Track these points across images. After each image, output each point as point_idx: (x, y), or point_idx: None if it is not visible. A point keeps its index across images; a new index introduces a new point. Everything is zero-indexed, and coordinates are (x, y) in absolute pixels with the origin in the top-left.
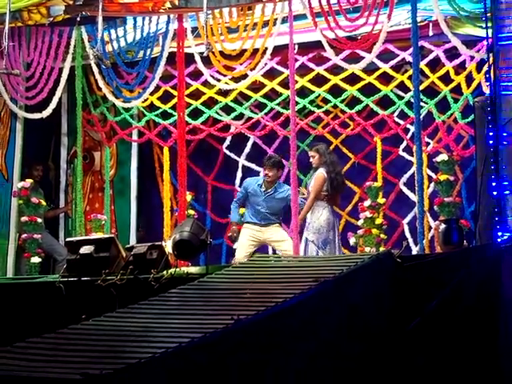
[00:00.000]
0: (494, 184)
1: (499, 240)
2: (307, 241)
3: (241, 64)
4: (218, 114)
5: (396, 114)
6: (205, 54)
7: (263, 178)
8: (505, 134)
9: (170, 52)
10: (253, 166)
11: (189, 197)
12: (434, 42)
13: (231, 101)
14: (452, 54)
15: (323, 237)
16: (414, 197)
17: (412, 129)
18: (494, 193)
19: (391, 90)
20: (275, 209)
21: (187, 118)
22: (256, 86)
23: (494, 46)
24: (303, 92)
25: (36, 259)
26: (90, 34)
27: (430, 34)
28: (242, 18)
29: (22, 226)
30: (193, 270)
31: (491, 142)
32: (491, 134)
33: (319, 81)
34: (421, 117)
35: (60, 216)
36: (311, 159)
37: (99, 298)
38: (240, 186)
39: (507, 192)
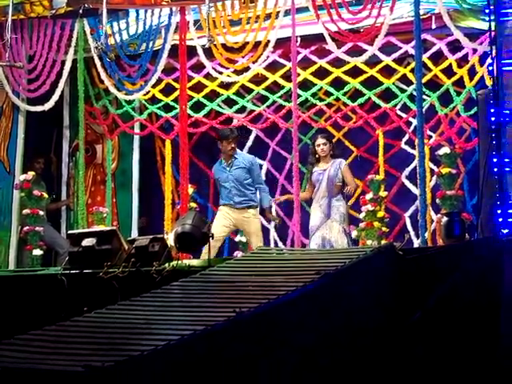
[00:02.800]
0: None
1: (501, 233)
2: (345, 231)
3: (243, 57)
4: (220, 106)
5: (398, 106)
6: (206, 46)
7: (223, 153)
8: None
9: (172, 45)
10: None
11: (191, 190)
12: (437, 35)
13: (233, 94)
14: (454, 46)
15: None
16: (415, 190)
17: (414, 122)
18: (495, 169)
19: (393, 83)
20: (241, 178)
21: (189, 111)
22: (258, 79)
23: (497, 39)
24: (305, 85)
25: (38, 252)
26: (92, 26)
27: (433, 26)
28: (245, 10)
29: (24, 219)
30: (195, 262)
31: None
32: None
33: (321, 73)
34: (423, 110)
35: (62, 209)
36: (321, 147)
37: (101, 290)
38: None
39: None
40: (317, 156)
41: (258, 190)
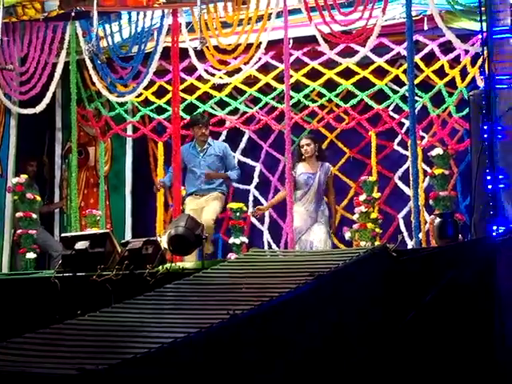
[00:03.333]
0: (488, 177)
1: (494, 233)
2: (329, 234)
3: (235, 58)
4: (212, 108)
5: (391, 108)
6: (198, 48)
7: (196, 139)
8: (499, 128)
9: (164, 47)
10: (248, 160)
11: (184, 192)
12: (429, 36)
13: (226, 95)
14: (447, 47)
15: None
16: (409, 191)
17: (407, 123)
18: (489, 186)
19: (386, 84)
20: (214, 166)
21: (182, 113)
22: (251, 81)
23: (489, 40)
24: (298, 86)
25: (31, 255)
26: (84, 29)
27: (425, 28)
28: (237, 12)
29: (17, 222)
30: (188, 265)
31: (486, 135)
32: (486, 127)
33: (314, 75)
34: (415, 111)
35: (55, 211)
36: (305, 147)
37: (94, 293)
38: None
39: (502, 185)
40: (303, 157)
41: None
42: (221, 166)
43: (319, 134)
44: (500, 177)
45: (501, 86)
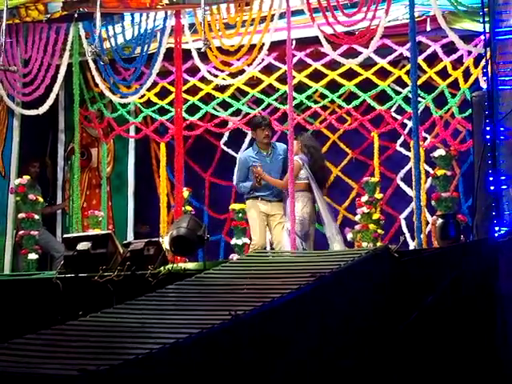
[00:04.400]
0: (491, 179)
1: (496, 234)
2: (289, 232)
3: (238, 60)
4: (215, 109)
5: (393, 109)
6: (202, 50)
7: (257, 143)
8: (502, 129)
9: (167, 48)
10: None
11: (186, 193)
12: (432, 37)
13: (228, 96)
14: (449, 48)
15: (306, 229)
16: (411, 192)
17: (409, 124)
18: (491, 187)
19: (388, 85)
20: (281, 170)
21: (184, 114)
22: (253, 82)
23: (492, 41)
24: (300, 87)
25: (33, 256)
26: (87, 30)
27: (428, 28)
28: (240, 13)
29: (20, 223)
30: (190, 265)
31: (488, 136)
32: (488, 128)
33: (316, 76)
34: (418, 112)
35: (57, 213)
36: None
37: (96, 294)
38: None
39: (504, 186)
40: None
41: None
42: (281, 168)
43: (321, 134)
44: (502, 178)
45: (504, 87)
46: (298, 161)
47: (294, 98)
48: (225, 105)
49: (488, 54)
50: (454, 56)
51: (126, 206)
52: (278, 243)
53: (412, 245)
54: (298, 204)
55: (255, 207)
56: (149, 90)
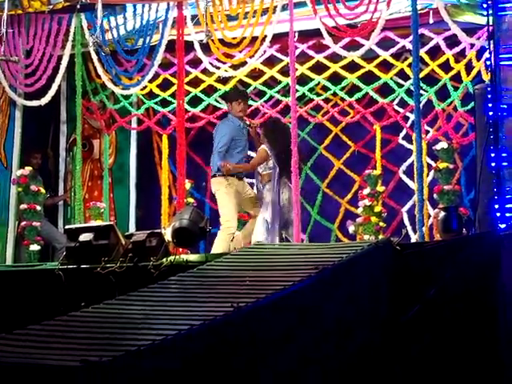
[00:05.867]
0: (492, 155)
1: (498, 227)
2: (267, 222)
3: (240, 51)
4: (217, 101)
5: (396, 101)
6: (204, 41)
7: (235, 116)
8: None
9: (169, 40)
10: (253, 153)
11: (188, 185)
12: (434, 30)
13: (230, 88)
14: (452, 41)
15: (285, 217)
16: (413, 185)
17: (412, 117)
18: (493, 164)
19: (391, 78)
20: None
21: (186, 106)
22: (255, 74)
23: (495, 34)
24: (303, 80)
25: (35, 247)
26: (89, 21)
27: (430, 21)
28: (242, 5)
29: (22, 214)
30: (192, 257)
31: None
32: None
33: (319, 68)
34: (420, 105)
35: (59, 204)
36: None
37: (98, 285)
38: None
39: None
40: None
41: None
42: None
43: (324, 127)
44: (503, 155)
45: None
46: (267, 150)
47: (296, 91)
48: None
49: (491, 46)
50: (457, 49)
51: (127, 198)
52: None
53: (414, 238)
54: (273, 192)
55: (231, 186)
56: (151, 81)
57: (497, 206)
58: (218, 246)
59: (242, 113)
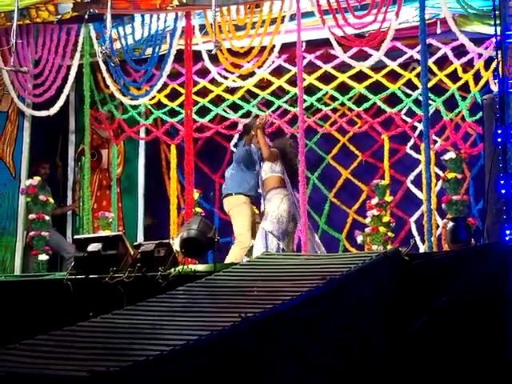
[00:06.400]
0: (502, 182)
1: (507, 238)
2: (266, 232)
3: (248, 62)
4: (225, 111)
5: (403, 111)
6: (213, 52)
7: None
8: None
9: (177, 49)
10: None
11: (196, 195)
12: (442, 40)
13: (238, 98)
14: (460, 51)
15: (283, 227)
16: (421, 195)
17: (419, 127)
18: (503, 191)
19: (399, 88)
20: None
21: (195, 116)
22: (263, 84)
23: (503, 44)
24: (311, 90)
25: (44, 257)
26: (97, 31)
27: (438, 31)
28: (250, 15)
29: (30, 224)
30: (200, 267)
31: (500, 139)
32: (500, 131)
33: (327, 78)
34: (428, 115)
35: (67, 214)
36: None
37: (107, 295)
38: None
39: None
40: None
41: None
42: None
43: (332, 137)
44: None
45: None
46: (277, 151)
47: (305, 101)
48: (235, 107)
49: (499, 56)
50: (465, 59)
51: (136, 208)
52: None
53: (422, 248)
54: (274, 202)
55: (248, 204)
56: (159, 91)
57: (508, 232)
58: (229, 260)
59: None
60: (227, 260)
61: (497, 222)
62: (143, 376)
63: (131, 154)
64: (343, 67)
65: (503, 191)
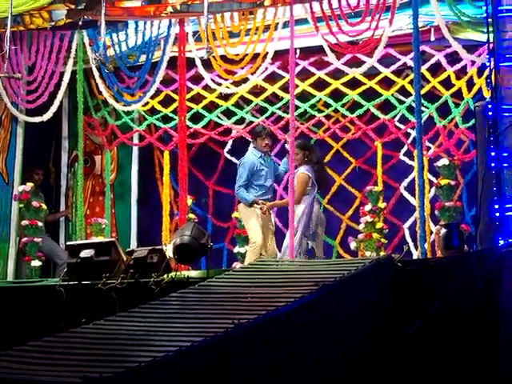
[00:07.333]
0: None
1: (500, 244)
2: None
3: (242, 68)
4: (218, 117)
5: (397, 118)
6: (205, 58)
7: (261, 150)
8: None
9: (171, 56)
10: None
11: (189, 201)
12: (435, 47)
13: (232, 105)
14: (453, 58)
15: (313, 229)
16: (414, 201)
17: (413, 133)
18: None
19: (392, 95)
20: (275, 173)
21: (188, 122)
22: (257, 90)
23: (495, 51)
24: (304, 96)
25: (36, 263)
26: (91, 38)
27: (432, 38)
28: (244, 22)
29: (23, 230)
30: (193, 273)
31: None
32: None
33: (320, 85)
34: (422, 121)
35: (60, 220)
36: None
37: (100, 301)
38: None
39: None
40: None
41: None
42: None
43: (325, 143)
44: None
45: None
46: (307, 174)
47: (298, 107)
48: (228, 113)
49: (492, 63)
50: (458, 66)
51: (129, 214)
52: (272, 252)
53: (415, 254)
54: (303, 206)
55: (254, 210)
56: (152, 97)
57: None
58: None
59: (266, 147)
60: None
61: (489, 228)
62: (136, 382)
63: (124, 160)
64: (337, 74)
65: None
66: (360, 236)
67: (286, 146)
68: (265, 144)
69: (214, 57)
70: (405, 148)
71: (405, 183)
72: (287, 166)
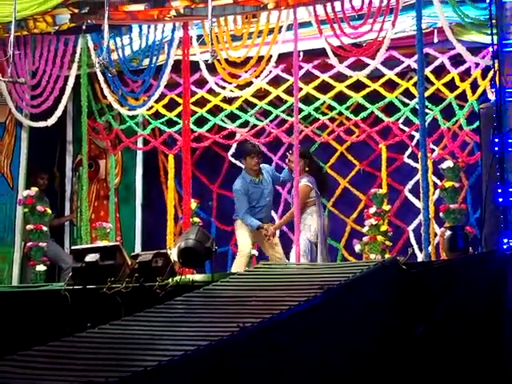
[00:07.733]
0: (499, 190)
1: (505, 246)
2: (311, 243)
3: (246, 71)
4: (223, 121)
5: (401, 120)
6: (210, 61)
7: (247, 170)
8: (510, 141)
9: (175, 60)
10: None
11: (194, 204)
12: (439, 49)
13: (236, 108)
14: (457, 60)
15: (324, 237)
16: (419, 203)
17: (417, 136)
18: (500, 199)
19: (396, 97)
20: (272, 192)
21: (192, 126)
22: (261, 94)
23: (500, 53)
24: (308, 99)
25: (41, 267)
26: (95, 42)
27: (435, 40)
28: (247, 25)
29: (28, 234)
30: (198, 277)
31: (497, 148)
32: (497, 140)
33: (324, 88)
34: (426, 124)
35: (65, 224)
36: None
37: (105, 306)
38: None
39: None
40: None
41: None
42: (273, 188)
43: (329, 146)
44: (510, 190)
45: None
46: (308, 185)
47: (302, 110)
48: (232, 116)
49: (496, 65)
50: (462, 68)
51: (133, 218)
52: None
53: (420, 257)
54: (313, 216)
55: (246, 227)
56: (157, 101)
57: (505, 241)
58: (233, 270)
59: (255, 167)
60: (232, 270)
61: (494, 230)
62: None
63: (129, 164)
64: (341, 76)
65: (500, 200)
66: (364, 239)
67: (288, 154)
68: (254, 163)
69: (218, 60)
70: (409, 150)
71: (409, 185)
72: (288, 176)
